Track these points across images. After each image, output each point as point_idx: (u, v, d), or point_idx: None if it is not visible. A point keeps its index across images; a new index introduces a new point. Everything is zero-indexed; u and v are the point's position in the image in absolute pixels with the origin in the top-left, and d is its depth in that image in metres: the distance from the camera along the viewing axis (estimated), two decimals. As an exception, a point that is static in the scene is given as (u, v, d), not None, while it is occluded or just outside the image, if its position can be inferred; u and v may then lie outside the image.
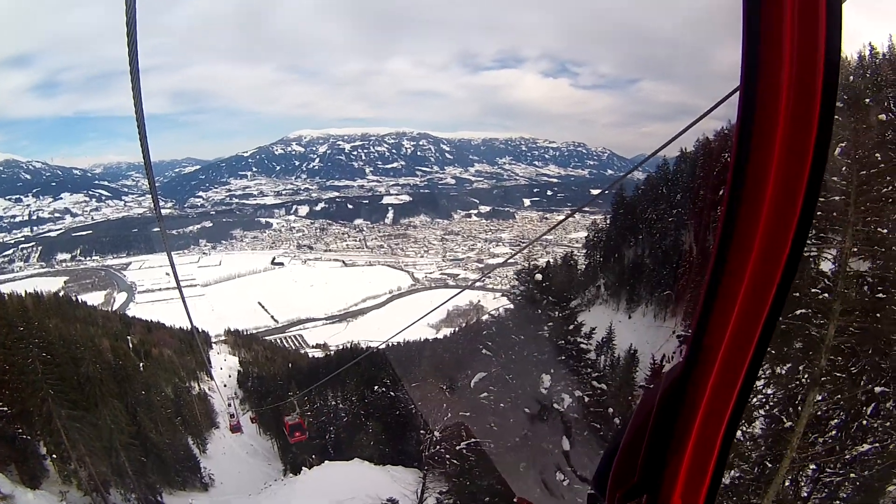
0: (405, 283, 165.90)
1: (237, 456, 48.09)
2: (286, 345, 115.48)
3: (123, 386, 37.24)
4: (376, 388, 41.62)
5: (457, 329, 66.01)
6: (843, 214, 9.28)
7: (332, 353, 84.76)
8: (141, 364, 48.74)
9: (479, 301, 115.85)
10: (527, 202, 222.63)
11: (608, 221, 51.48)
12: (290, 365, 70.70)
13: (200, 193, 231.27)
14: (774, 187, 0.77)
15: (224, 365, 73.64)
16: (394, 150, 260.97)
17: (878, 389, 10.14)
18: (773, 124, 0.76)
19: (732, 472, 10.94)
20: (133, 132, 4.02)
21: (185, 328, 68.97)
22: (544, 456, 14.09)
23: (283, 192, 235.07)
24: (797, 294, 9.50)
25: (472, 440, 16.71)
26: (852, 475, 10.68)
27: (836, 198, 9.33)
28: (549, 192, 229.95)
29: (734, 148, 0.79)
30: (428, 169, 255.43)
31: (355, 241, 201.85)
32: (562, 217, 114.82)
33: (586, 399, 14.33)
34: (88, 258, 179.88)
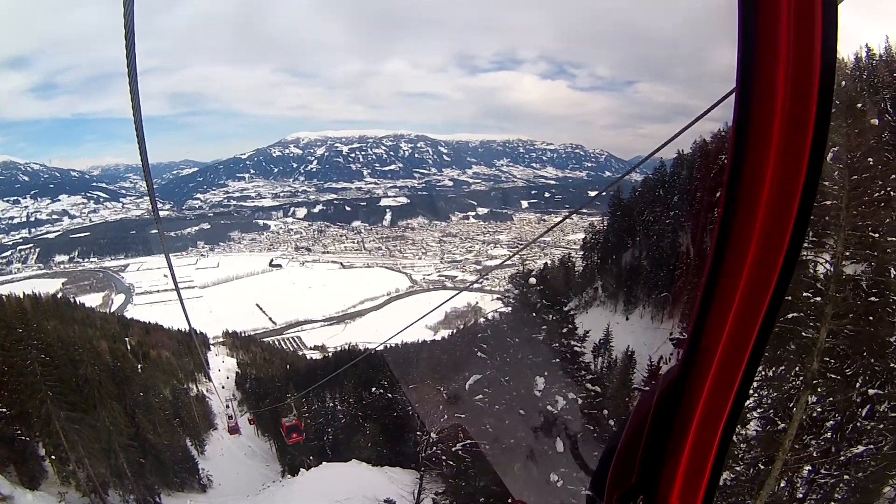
0: (403, 285, 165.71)
1: (235, 457, 48.02)
2: (284, 346, 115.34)
3: (122, 387, 37.30)
4: (374, 389, 41.61)
5: (454, 331, 65.94)
6: (835, 218, 9.33)
7: (330, 354, 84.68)
8: (139, 366, 48.76)
9: (477, 303, 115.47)
10: (525, 204, 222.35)
11: (606, 223, 51.52)
12: (287, 366, 70.78)
13: (198, 195, 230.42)
14: (771, 189, 0.77)
15: (222, 366, 73.47)
16: (391, 152, 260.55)
17: (872, 392, 10.19)
18: (770, 126, 0.76)
19: (727, 473, 10.95)
20: (131, 134, 4.02)
21: (183, 330, 68.66)
22: (539, 457, 14.12)
23: (281, 195, 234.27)
24: (790, 298, 9.52)
25: (469, 442, 16.75)
26: (847, 477, 10.72)
27: (829, 202, 9.37)
28: (546, 194, 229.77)
29: (730, 149, 0.79)
30: (426, 171, 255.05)
31: (353, 242, 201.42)
32: (560, 219, 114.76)
33: (580, 401, 14.39)
34: (86, 260, 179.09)
